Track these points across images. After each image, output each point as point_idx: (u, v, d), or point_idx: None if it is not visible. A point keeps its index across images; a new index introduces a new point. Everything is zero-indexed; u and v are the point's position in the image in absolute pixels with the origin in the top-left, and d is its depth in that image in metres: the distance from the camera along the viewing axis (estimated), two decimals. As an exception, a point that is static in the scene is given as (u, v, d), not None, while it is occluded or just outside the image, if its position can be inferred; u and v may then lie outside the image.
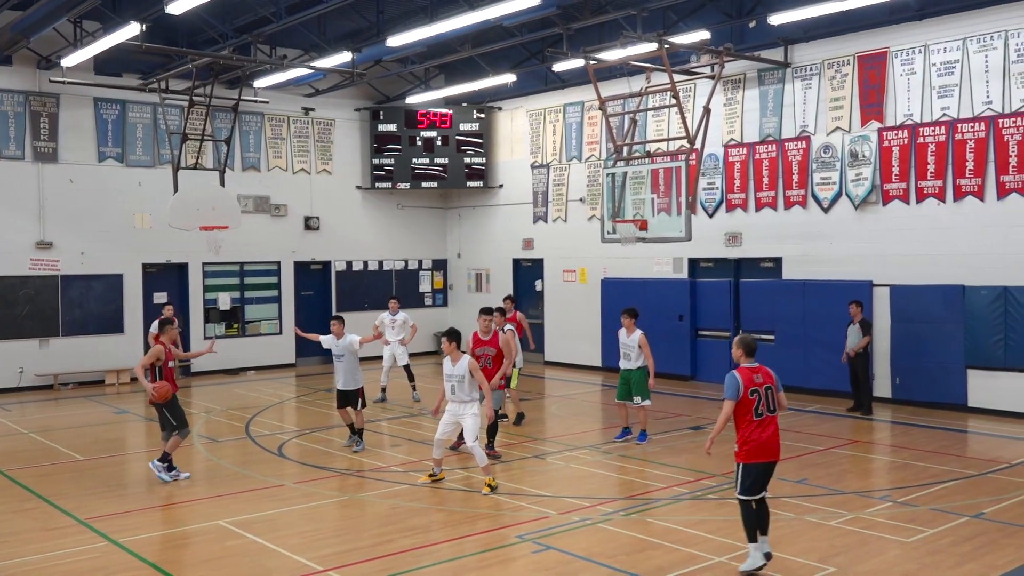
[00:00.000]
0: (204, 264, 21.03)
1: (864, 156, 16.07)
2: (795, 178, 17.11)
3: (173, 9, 14.05)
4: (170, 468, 11.22)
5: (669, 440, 13.25)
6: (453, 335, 10.42)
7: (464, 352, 10.69)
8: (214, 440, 13.81)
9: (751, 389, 7.63)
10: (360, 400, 12.65)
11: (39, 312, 19.08)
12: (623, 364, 12.98)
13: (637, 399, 12.89)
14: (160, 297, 20.63)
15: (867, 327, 14.93)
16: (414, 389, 16.87)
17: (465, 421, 10.39)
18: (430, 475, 10.82)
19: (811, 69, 16.86)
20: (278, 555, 8.36)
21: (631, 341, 12.81)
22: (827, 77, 16.61)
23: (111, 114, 19.88)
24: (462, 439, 10.99)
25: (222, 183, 18.62)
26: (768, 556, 7.58)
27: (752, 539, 7.57)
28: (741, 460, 7.62)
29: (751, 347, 7.88)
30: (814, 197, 16.85)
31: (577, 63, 17.89)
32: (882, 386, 15.76)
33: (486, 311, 12.76)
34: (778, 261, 17.56)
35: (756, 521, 7.60)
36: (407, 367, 16.81)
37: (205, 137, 18.83)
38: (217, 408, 16.49)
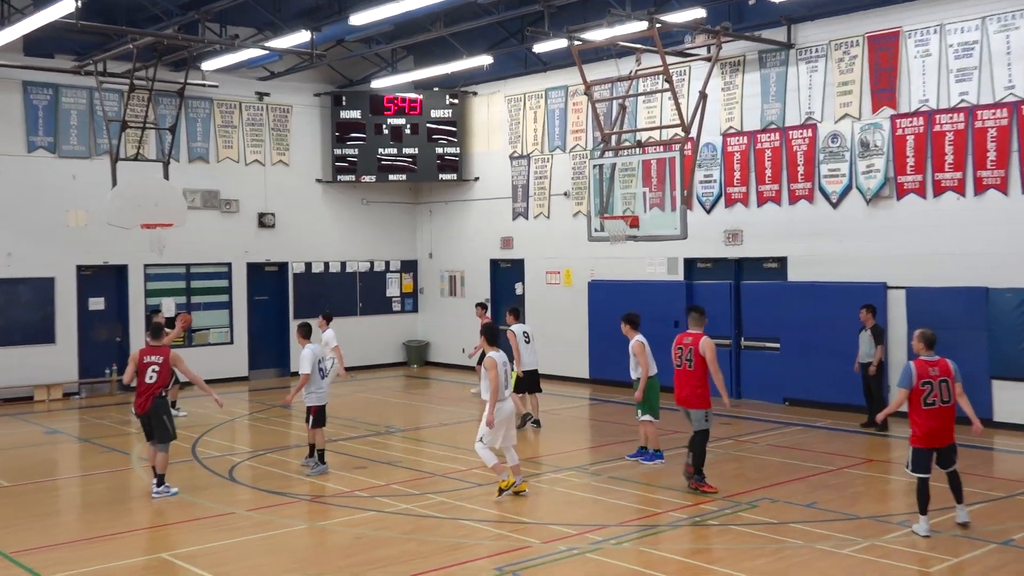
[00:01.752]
0: (146, 266, 20.79)
1: (876, 146, 16.08)
2: (801, 170, 17.11)
3: (110, -19, 13.86)
4: (160, 483, 11.52)
5: (665, 460, 13.16)
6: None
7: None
8: (157, 463, 13.58)
9: (923, 380, 9.27)
10: (310, 417, 12.58)
11: (-40, 320, 18.82)
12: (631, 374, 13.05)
13: (638, 413, 12.88)
14: (97, 303, 20.38)
15: (879, 335, 14.92)
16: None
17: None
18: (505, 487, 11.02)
19: (817, 50, 16.87)
20: (228, 592, 8.20)
21: (629, 349, 12.85)
22: (834, 59, 16.62)
23: (42, 99, 19.61)
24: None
25: (166, 176, 18.42)
26: (964, 525, 9.53)
27: (923, 511, 9.38)
28: (912, 444, 9.47)
29: (931, 340, 9.48)
30: (822, 191, 16.86)
31: (560, 44, 17.81)
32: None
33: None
34: (783, 261, 17.56)
35: (927, 496, 9.38)
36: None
37: (147, 125, 18.62)
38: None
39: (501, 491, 11.03)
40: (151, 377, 11.48)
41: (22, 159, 19.43)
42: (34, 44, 19.09)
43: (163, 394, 11.59)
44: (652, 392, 12.87)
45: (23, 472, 13.04)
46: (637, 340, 12.81)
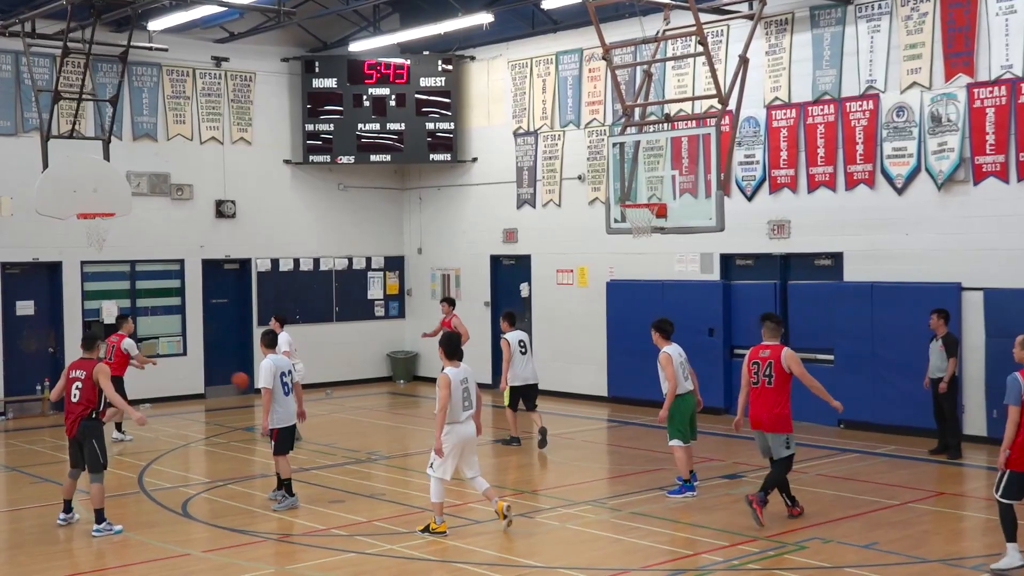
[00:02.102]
0: (83, 263, 20.90)
1: (949, 120, 16.16)
2: (859, 149, 17.18)
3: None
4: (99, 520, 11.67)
5: (697, 492, 13.23)
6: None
7: None
8: (97, 496, 13.69)
9: None
10: (272, 442, 12.78)
11: None
12: None
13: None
14: (25, 307, 20.49)
15: (952, 346, 14.97)
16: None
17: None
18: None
19: (880, 7, 16.94)
20: (182, 647, 8.31)
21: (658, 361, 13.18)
22: (900, 17, 16.70)
23: (-41, 65, 19.78)
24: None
25: (106, 157, 18.51)
26: None
27: (1011, 538, 9.63)
28: (1008, 467, 9.66)
29: None
30: (884, 174, 16.93)
31: (574, -1, 17.92)
32: (974, 421, 15.81)
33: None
34: (838, 258, 17.63)
35: (1014, 522, 9.63)
36: None
37: (84, 96, 18.68)
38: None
39: (425, 529, 11.26)
40: (74, 395, 11.66)
41: (-64, 136, 19.62)
42: (-50, 0, 19.25)
43: (93, 415, 11.64)
44: (680, 412, 13.02)
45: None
46: (664, 352, 13.05)
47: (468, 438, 11.29)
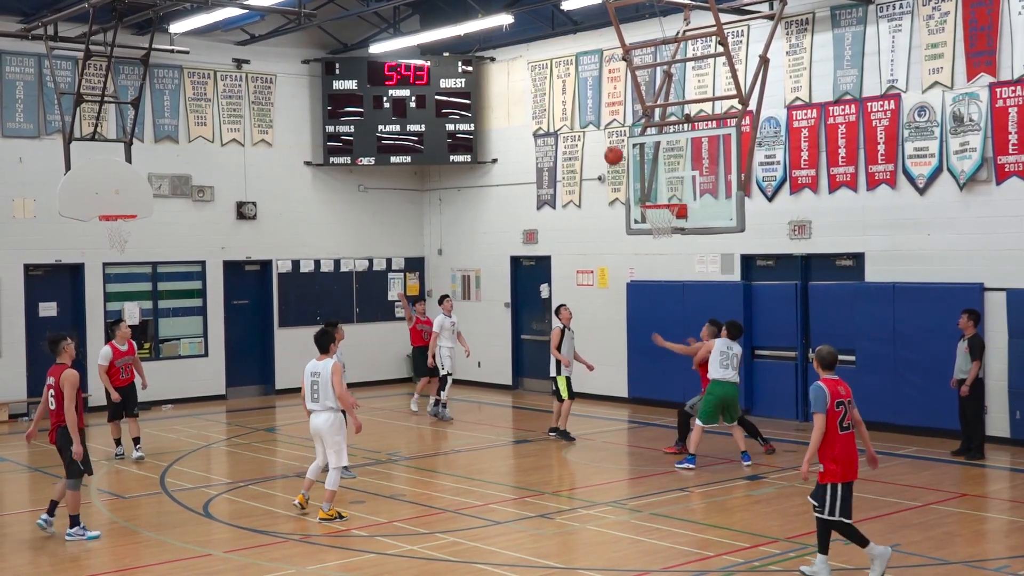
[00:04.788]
0: (105, 265, 21.01)
1: (972, 120, 16.07)
2: (881, 149, 17.12)
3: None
4: (73, 524, 11.57)
5: (718, 494, 13.22)
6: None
7: None
8: (119, 496, 13.77)
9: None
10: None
11: None
12: None
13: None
14: (48, 308, 20.61)
15: (977, 348, 14.86)
16: (444, 405, 18.89)
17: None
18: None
19: (901, 6, 16.87)
20: (203, 647, 8.34)
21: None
22: (922, 17, 16.63)
23: (-18, 68, 19.92)
24: None
25: (128, 159, 18.59)
26: None
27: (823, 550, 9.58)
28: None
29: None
30: (906, 174, 16.86)
31: (594, 0, 17.89)
32: (997, 422, 15.71)
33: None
34: (859, 258, 17.57)
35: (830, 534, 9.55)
36: (446, 377, 19.04)
37: (106, 98, 18.78)
38: (124, 453, 16.45)
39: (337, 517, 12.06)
40: (51, 403, 11.61)
41: (-40, 139, 19.74)
42: (-27, 4, 19.38)
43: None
44: (713, 396, 14.44)
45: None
46: (712, 340, 14.76)
47: (315, 427, 12.17)
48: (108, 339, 16.89)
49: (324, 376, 12.04)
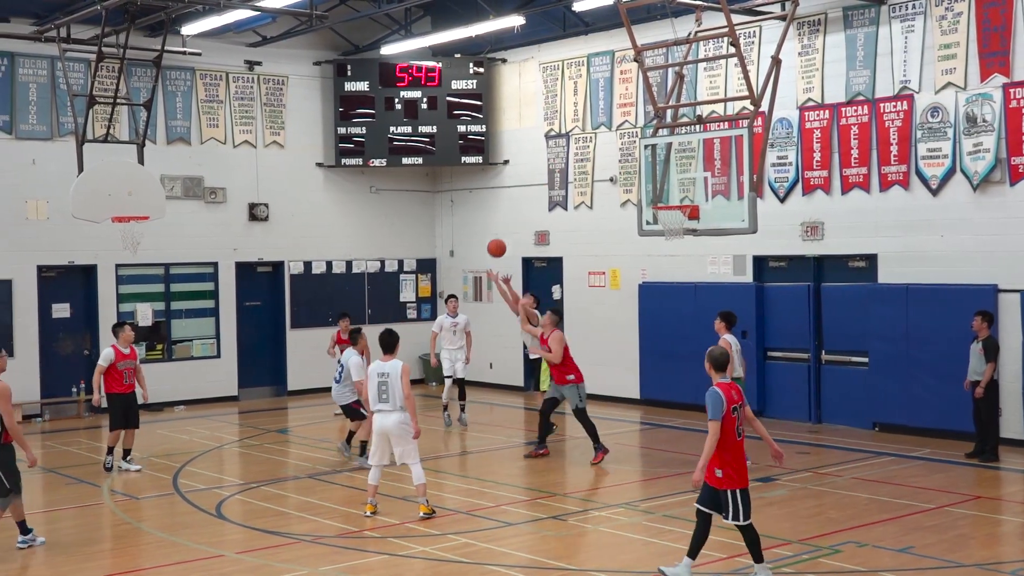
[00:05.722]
0: (118, 266, 21.07)
1: (985, 121, 16.03)
2: (894, 150, 17.08)
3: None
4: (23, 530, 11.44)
5: (730, 495, 13.20)
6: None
7: None
8: (132, 497, 13.82)
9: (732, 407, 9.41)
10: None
11: (-98, 330, 19.18)
12: None
13: None
14: (61, 310, 20.68)
15: (992, 349, 14.81)
16: (463, 410, 18.32)
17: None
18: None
19: (914, 6, 16.84)
20: (216, 649, 8.36)
21: None
22: (935, 17, 16.59)
23: (-4, 71, 19.99)
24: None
25: (141, 160, 18.63)
26: None
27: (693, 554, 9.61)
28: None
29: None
30: (919, 175, 16.82)
31: (605, 1, 17.89)
32: (1011, 424, 15.65)
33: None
34: (872, 259, 17.53)
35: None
36: (461, 380, 18.45)
37: (119, 100, 18.83)
38: (136, 455, 16.48)
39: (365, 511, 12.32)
40: None
41: (-26, 141, 19.81)
42: (-14, 6, 19.46)
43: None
44: None
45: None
46: (724, 339, 14.30)
47: (382, 428, 12.17)
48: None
49: (394, 376, 12.04)
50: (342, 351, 17.99)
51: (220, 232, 22.28)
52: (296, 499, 13.37)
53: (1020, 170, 15.72)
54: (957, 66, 16.34)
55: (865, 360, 17.39)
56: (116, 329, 15.69)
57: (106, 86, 19.59)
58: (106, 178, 17.61)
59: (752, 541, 9.49)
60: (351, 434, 15.69)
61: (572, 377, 15.62)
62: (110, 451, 15.28)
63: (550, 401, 15.93)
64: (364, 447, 15.14)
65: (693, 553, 9.58)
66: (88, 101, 18.28)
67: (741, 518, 9.38)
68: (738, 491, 9.37)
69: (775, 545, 10.83)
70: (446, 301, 19.46)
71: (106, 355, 15.17)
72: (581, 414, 15.55)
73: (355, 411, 15.31)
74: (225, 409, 21.39)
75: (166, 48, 18.87)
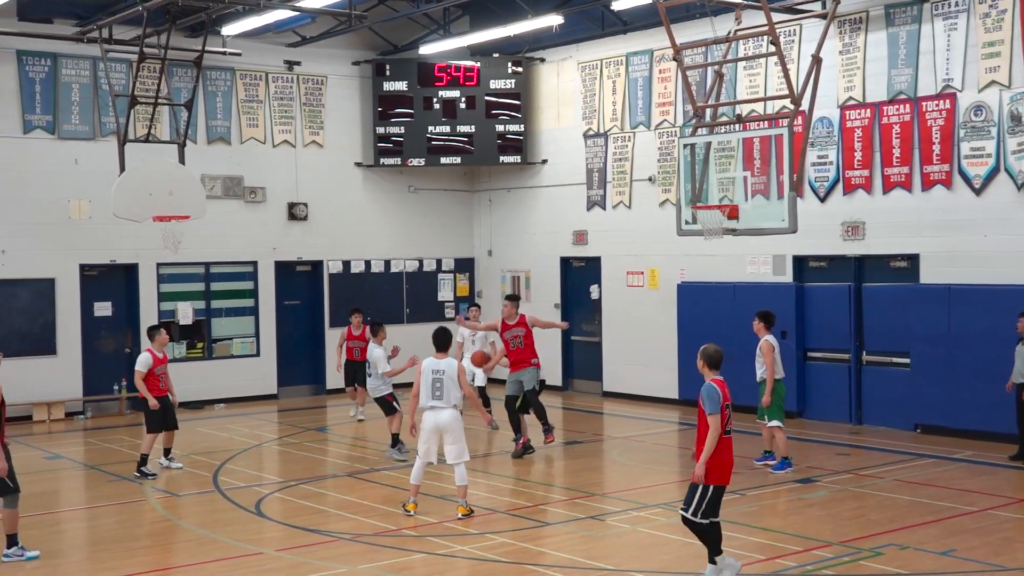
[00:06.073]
0: (159, 265, 21.24)
1: (1029, 119, 15.87)
2: (936, 149, 16.93)
3: (119, -66, 14.25)
4: (11, 544, 10.97)
5: (769, 497, 13.14)
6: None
7: None
8: (173, 494, 13.92)
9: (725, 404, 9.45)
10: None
11: (-53, 328, 19.41)
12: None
13: (765, 418, 14.33)
14: (103, 308, 20.89)
15: (1036, 349, 14.67)
16: (488, 412, 17.90)
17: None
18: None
19: (957, 4, 16.67)
20: (256, 645, 8.41)
21: (757, 349, 14.42)
22: (978, 14, 16.42)
23: (39, 71, 20.16)
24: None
25: (181, 160, 18.78)
26: None
27: (717, 551, 9.49)
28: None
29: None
30: (962, 174, 16.66)
31: (644, 0, 17.87)
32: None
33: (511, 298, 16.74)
34: (914, 259, 17.39)
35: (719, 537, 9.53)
36: (483, 388, 18.18)
37: (160, 100, 18.99)
38: (177, 452, 16.62)
39: (405, 509, 12.34)
40: None
41: (17, 141, 19.98)
42: (29, 7, 19.67)
43: None
44: (778, 396, 14.30)
45: (21, 504, 13.40)
46: (766, 340, 14.30)
47: (436, 425, 12.21)
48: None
49: (449, 374, 12.18)
50: (352, 349, 18.27)
51: (259, 231, 22.41)
52: (335, 497, 13.43)
53: (1065, 169, 15.54)
54: (1001, 64, 16.17)
55: (907, 361, 17.25)
56: (152, 332, 15.39)
57: (147, 86, 19.77)
58: (147, 178, 17.78)
59: (708, 538, 9.45)
60: (395, 436, 15.83)
61: (536, 360, 16.03)
62: (144, 461, 14.82)
63: (511, 399, 16.08)
64: (396, 439, 15.69)
65: (714, 552, 9.55)
66: (130, 101, 18.45)
67: (700, 516, 9.31)
68: (711, 488, 9.30)
69: (816, 547, 10.76)
70: (467, 310, 19.27)
71: (144, 360, 14.83)
72: (533, 395, 15.85)
73: (389, 404, 15.78)
74: (264, 407, 21.51)
75: (207, 48, 19.03)
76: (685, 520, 9.47)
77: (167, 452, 15.39)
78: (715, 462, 9.31)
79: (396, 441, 15.75)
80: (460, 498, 12.25)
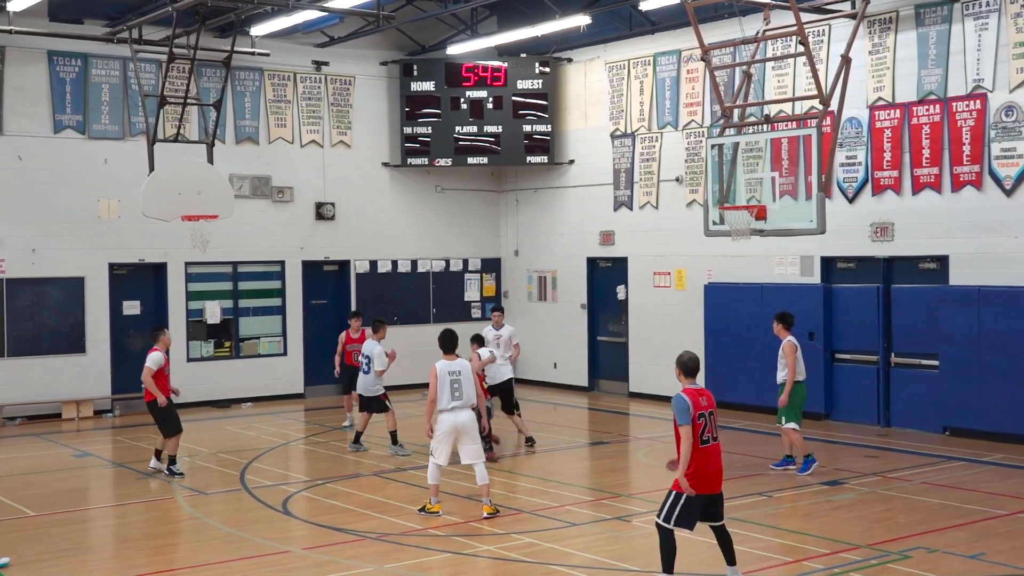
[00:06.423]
0: (187, 264, 21.37)
1: (1060, 120, 15.74)
2: (966, 150, 16.82)
3: (149, -65, 14.34)
4: None
5: (796, 499, 13.09)
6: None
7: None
8: (200, 492, 13.98)
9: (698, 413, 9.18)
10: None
11: (-22, 326, 19.59)
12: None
13: (783, 420, 14.25)
14: (132, 307, 21.03)
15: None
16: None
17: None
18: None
19: (988, 4, 16.56)
20: (283, 643, 8.44)
21: (780, 350, 14.32)
22: (1010, 14, 16.30)
23: (70, 72, 20.32)
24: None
25: (210, 160, 18.87)
26: None
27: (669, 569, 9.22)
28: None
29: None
30: (992, 175, 16.54)
31: (672, 0, 17.81)
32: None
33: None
34: (943, 261, 17.28)
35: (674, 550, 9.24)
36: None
37: (189, 100, 19.08)
38: (203, 451, 16.71)
39: (422, 509, 12.36)
40: None
41: (47, 141, 20.16)
42: (60, 8, 19.80)
43: None
44: (798, 397, 14.24)
45: (49, 501, 13.53)
46: (789, 340, 14.22)
47: (454, 425, 12.22)
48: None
49: (466, 375, 12.31)
50: (351, 353, 17.90)
51: (287, 231, 22.50)
52: (361, 496, 13.46)
53: (1097, 170, 15.41)
54: (1032, 64, 16.05)
55: (935, 363, 17.15)
56: (157, 333, 15.17)
57: (176, 86, 19.89)
58: (176, 177, 17.87)
59: (665, 548, 9.24)
60: (394, 434, 16.14)
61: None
62: (173, 460, 14.80)
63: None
64: (395, 437, 16.10)
65: (731, 560, 9.42)
66: (159, 101, 18.54)
67: (672, 522, 9.16)
68: (683, 496, 9.11)
69: (843, 550, 10.71)
70: (492, 313, 19.03)
71: (157, 359, 14.61)
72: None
73: (382, 403, 16.21)
74: (291, 406, 21.59)
75: (235, 49, 19.10)
76: (657, 525, 9.33)
77: (159, 454, 14.94)
78: (695, 471, 9.12)
79: (396, 439, 16.10)
80: (484, 497, 12.27)
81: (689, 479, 9.12)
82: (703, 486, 9.19)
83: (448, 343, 12.53)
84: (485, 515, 12.12)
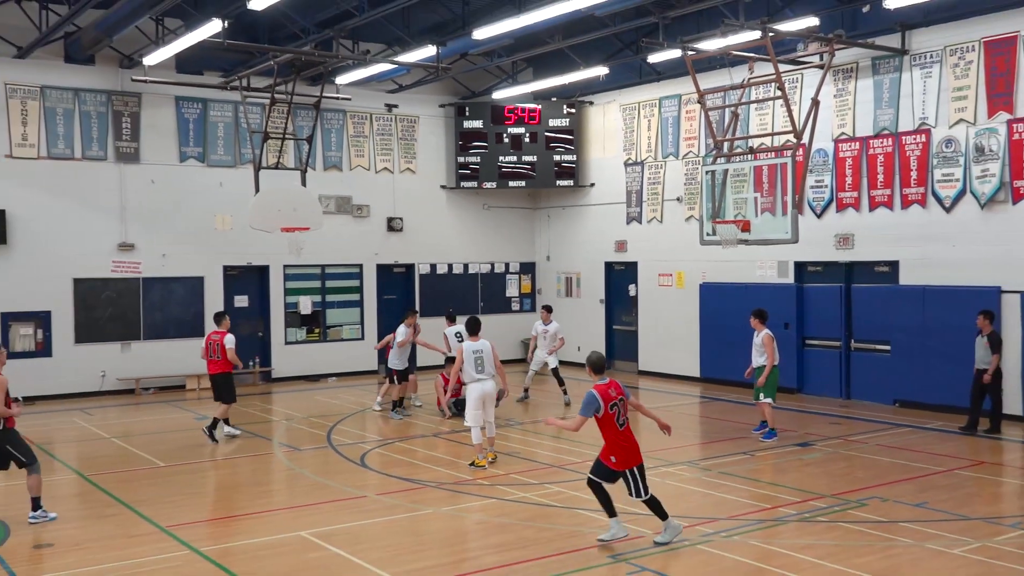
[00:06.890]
0: (285, 267, 21.52)
1: (991, 151, 15.52)
2: (913, 175, 16.64)
3: (255, 5, 14.43)
4: (35, 506, 10.12)
5: (773, 457, 13.02)
6: None
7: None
8: (295, 448, 14.11)
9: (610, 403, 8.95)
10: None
11: (121, 315, 19.78)
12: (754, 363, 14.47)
13: (761, 396, 14.14)
14: (241, 300, 21.20)
15: (996, 343, 14.34)
16: (565, 392, 17.94)
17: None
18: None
19: (931, 56, 16.37)
20: (361, 569, 8.49)
21: (757, 340, 14.22)
22: (949, 65, 16.10)
23: (192, 113, 20.51)
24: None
25: (303, 183, 19.00)
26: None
27: (611, 514, 9.10)
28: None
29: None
30: (935, 195, 16.35)
31: (674, 54, 17.73)
32: (1012, 403, 15.14)
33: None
34: (894, 265, 17.10)
35: (608, 499, 9.12)
36: (555, 370, 18.02)
37: (286, 136, 19.22)
38: (298, 416, 16.83)
39: (472, 464, 12.38)
40: None
41: (175, 168, 20.35)
42: (185, 62, 19.99)
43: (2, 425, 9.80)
44: (773, 378, 14.20)
45: (175, 455, 13.69)
46: (766, 333, 14.17)
47: (481, 394, 12.45)
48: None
49: (487, 352, 12.54)
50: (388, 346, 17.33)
51: (364, 240, 22.59)
52: (423, 453, 13.51)
53: (1021, 191, 15.18)
54: (968, 105, 15.85)
55: (888, 348, 16.98)
56: (219, 318, 14.85)
57: (277, 124, 20.00)
58: (276, 197, 17.98)
59: (654, 505, 9.06)
60: (395, 402, 16.62)
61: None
62: (226, 422, 14.73)
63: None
64: (401, 402, 16.65)
65: (611, 513, 9.11)
66: (263, 136, 18.67)
67: (642, 494, 8.96)
68: (634, 469, 8.94)
69: (812, 499, 10.64)
70: (541, 310, 18.95)
71: (233, 339, 14.55)
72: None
73: (403, 374, 16.66)
74: (367, 381, 21.67)
75: (324, 94, 19.21)
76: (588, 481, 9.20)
77: (227, 421, 14.82)
78: (621, 452, 8.91)
79: (398, 404, 16.60)
80: (490, 446, 12.70)
81: (620, 456, 8.92)
82: (630, 460, 8.96)
83: (473, 327, 12.90)
84: (490, 460, 12.44)
